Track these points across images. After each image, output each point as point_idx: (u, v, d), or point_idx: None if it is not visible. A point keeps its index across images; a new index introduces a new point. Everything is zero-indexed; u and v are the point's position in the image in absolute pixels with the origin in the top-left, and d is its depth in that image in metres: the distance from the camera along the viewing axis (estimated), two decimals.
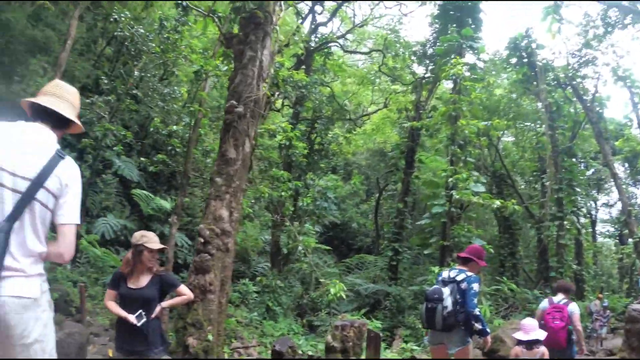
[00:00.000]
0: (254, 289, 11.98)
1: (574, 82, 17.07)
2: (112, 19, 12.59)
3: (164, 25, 12.39)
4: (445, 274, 5.27)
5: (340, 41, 18.42)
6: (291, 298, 14.45)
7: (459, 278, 5.05)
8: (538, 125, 20.27)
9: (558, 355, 6.04)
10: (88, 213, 14.38)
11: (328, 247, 22.18)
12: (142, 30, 12.77)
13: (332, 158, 19.18)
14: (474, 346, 5.88)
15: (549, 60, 17.88)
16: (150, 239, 4.11)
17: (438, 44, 15.76)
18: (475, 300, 4.88)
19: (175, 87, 14.20)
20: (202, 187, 17.59)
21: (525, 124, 21.68)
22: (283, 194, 12.82)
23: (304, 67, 16.49)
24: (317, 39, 17.03)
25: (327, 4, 17.10)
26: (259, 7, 6.68)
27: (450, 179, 12.18)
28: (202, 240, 6.00)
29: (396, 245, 16.30)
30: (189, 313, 5.89)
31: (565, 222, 15.77)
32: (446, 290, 5.02)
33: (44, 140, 2.19)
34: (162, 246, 4.14)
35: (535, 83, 16.53)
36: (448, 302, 4.91)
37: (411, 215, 17.58)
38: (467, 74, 13.18)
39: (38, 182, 2.07)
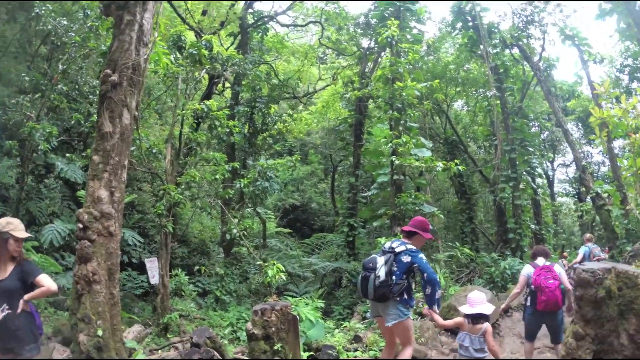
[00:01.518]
0: (186, 279, 11.36)
1: (520, 43, 16.84)
2: (33, 14, 11.72)
3: (87, 14, 11.57)
4: (387, 244, 5.13)
5: (280, 18, 17.75)
6: (244, 285, 13.94)
7: (398, 249, 4.88)
8: (488, 90, 20.15)
9: (550, 319, 5.89)
10: (35, 221, 13.59)
11: (289, 230, 21.82)
12: (65, 22, 11.89)
13: (279, 138, 18.63)
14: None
15: (494, 23, 17.61)
16: (16, 227, 3.89)
17: (375, 9, 15.26)
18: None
19: None
20: (151, 182, 16.89)
21: (475, 89, 21.47)
22: (217, 177, 12.18)
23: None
24: (254, 16, 16.31)
25: None
26: None
27: (389, 145, 11.75)
28: (80, 225, 5.37)
29: (351, 221, 15.93)
30: (79, 307, 5.30)
31: (519, 183, 15.61)
32: (381, 260, 4.84)
33: None
34: (27, 235, 3.93)
35: (482, 47, 16.21)
36: (382, 271, 4.75)
37: (364, 189, 17.20)
38: (409, 37, 12.73)
39: None
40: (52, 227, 12.19)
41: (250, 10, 16.05)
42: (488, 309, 4.67)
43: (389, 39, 12.58)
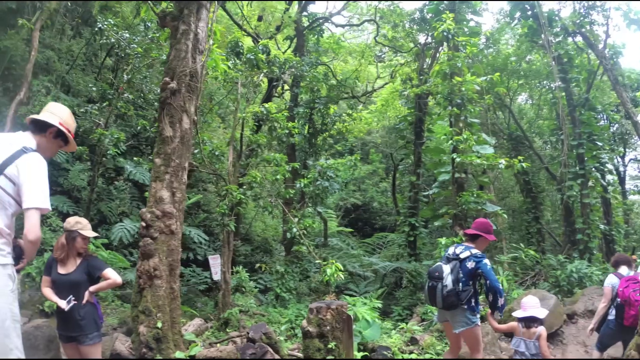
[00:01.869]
0: (247, 276, 11.71)
1: (583, 30, 15.67)
2: (96, 28, 12.69)
3: (147, 26, 12.36)
4: (451, 250, 5.06)
5: (335, 19, 17.85)
6: (304, 283, 14.15)
7: (462, 255, 4.83)
8: (552, 81, 18.94)
9: (632, 333, 5.37)
10: (106, 220, 14.74)
11: (350, 229, 21.86)
12: (127, 35, 12.76)
13: (339, 138, 18.70)
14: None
15: (554, 10, 16.53)
16: (84, 226, 4.23)
17: (429, 3, 14.88)
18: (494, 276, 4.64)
19: None
20: (215, 183, 17.64)
21: (539, 81, 20.21)
22: (278, 177, 12.46)
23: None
24: (309, 18, 16.52)
25: None
26: None
27: (449, 142, 11.40)
28: (144, 224, 5.75)
29: (412, 220, 15.61)
30: (140, 300, 5.67)
31: (588, 180, 14.53)
32: (447, 268, 4.81)
33: (16, 141, 2.75)
34: (95, 234, 4.26)
35: (542, 36, 15.29)
36: (448, 280, 4.72)
37: (426, 188, 16.81)
38: (466, 30, 12.28)
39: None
40: (121, 225, 13.11)
41: (305, 13, 16.25)
42: (541, 312, 4.51)
43: (445, 33, 12.20)
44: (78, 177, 13.79)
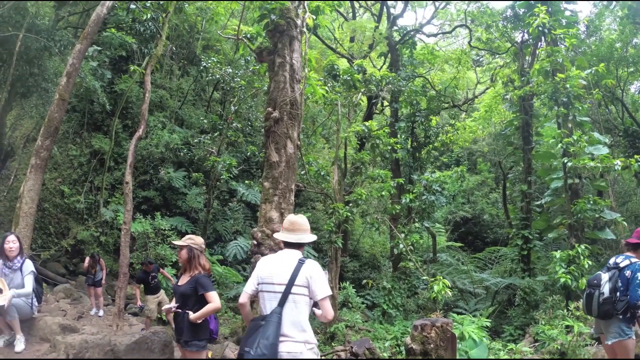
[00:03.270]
0: (353, 291, 11.88)
1: None
2: (202, 67, 14.20)
3: (247, 60, 13.54)
4: (612, 259, 5.10)
5: (426, 29, 17.70)
6: (412, 300, 13.95)
7: (622, 264, 4.85)
8: None
9: None
10: (221, 238, 16.16)
11: (460, 244, 21.05)
12: (230, 70, 14.07)
13: (444, 150, 18.28)
14: None
15: None
16: (198, 245, 4.51)
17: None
18: None
19: None
20: (323, 201, 18.34)
21: None
22: (384, 193, 12.59)
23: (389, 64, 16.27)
24: (400, 33, 16.62)
25: None
26: (280, 16, 6.91)
27: (559, 145, 10.62)
28: (255, 242, 6.30)
29: (525, 233, 14.57)
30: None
31: None
32: (605, 277, 4.89)
33: (292, 258, 3.37)
34: (181, 243, 4.49)
35: None
36: (606, 288, 4.80)
37: (538, 197, 15.66)
38: (563, 21, 11.45)
39: (291, 282, 3.25)
40: (235, 243, 14.22)
41: (395, 28, 16.36)
42: None
43: (540, 28, 11.46)
44: (195, 200, 15.35)
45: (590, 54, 16.57)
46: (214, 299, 4.23)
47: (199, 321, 4.23)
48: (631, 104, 19.66)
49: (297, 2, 7.12)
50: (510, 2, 15.13)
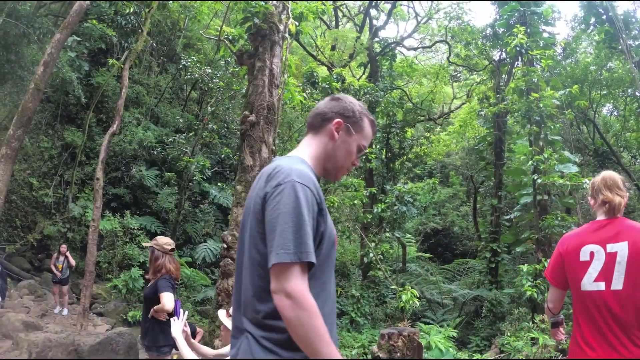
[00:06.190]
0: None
1: None
2: (181, 65, 14.05)
3: (228, 61, 13.46)
4: None
5: (406, 42, 18.02)
6: (380, 309, 14.05)
7: None
8: (636, 89, 17.36)
9: None
10: (191, 240, 15.93)
11: (430, 255, 21.31)
12: (209, 70, 13.97)
13: (417, 162, 18.55)
14: None
15: (630, 12, 15.32)
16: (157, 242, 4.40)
17: (500, 18, 14.54)
18: None
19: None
20: None
21: (622, 90, 18.56)
22: (356, 202, 12.68)
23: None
24: (381, 44, 16.86)
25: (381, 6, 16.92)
26: (263, 20, 6.93)
27: (529, 162, 10.94)
28: (225, 245, 6.26)
29: (493, 246, 14.93)
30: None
31: None
32: None
33: None
34: (149, 244, 4.42)
35: (621, 40, 14.21)
36: None
37: (508, 211, 16.06)
38: (540, 43, 11.84)
39: None
40: (205, 245, 14.05)
41: (376, 39, 16.58)
42: None
43: (517, 48, 11.85)
44: (166, 200, 15.11)
45: (565, 75, 17.15)
46: (164, 300, 4.01)
47: (160, 318, 4.14)
48: (602, 125, 20.41)
49: (281, 7, 7.15)
50: (491, 20, 15.55)
